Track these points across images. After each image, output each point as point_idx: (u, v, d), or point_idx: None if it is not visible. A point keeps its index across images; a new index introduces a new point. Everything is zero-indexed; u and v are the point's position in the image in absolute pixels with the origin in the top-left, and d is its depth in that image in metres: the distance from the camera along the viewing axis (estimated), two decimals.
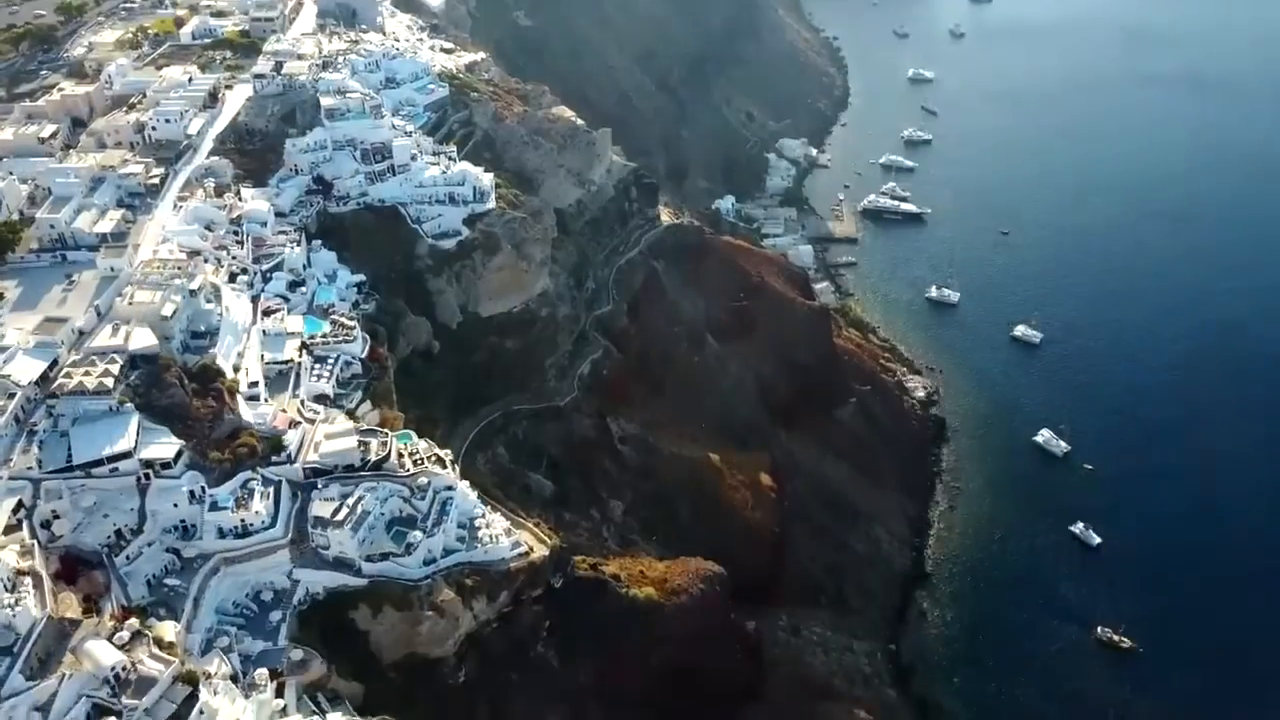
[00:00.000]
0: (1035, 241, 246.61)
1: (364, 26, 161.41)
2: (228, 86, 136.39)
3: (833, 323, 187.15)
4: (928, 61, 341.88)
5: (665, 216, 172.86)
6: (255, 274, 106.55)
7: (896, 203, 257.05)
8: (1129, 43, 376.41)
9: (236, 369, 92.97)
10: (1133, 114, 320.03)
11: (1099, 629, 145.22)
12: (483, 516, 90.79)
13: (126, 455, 78.61)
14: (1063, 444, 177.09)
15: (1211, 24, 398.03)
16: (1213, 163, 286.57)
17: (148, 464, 79.32)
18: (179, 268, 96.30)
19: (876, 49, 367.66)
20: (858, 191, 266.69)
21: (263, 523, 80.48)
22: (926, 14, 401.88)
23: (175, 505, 79.06)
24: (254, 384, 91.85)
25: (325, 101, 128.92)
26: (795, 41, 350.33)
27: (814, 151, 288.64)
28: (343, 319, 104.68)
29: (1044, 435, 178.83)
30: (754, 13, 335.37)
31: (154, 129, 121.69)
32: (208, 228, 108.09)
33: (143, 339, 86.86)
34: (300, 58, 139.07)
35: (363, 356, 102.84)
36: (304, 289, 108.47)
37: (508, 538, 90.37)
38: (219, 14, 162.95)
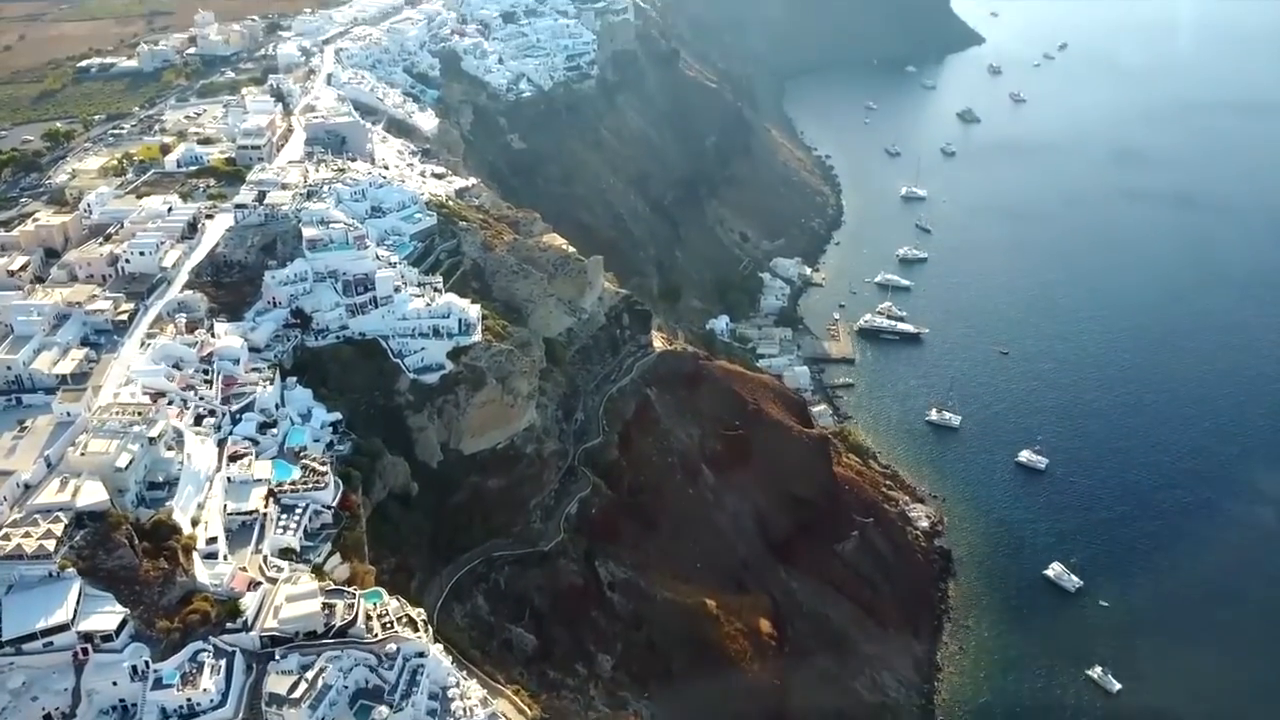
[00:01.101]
0: (1034, 361, 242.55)
1: (351, 154, 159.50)
2: (208, 216, 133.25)
3: (832, 449, 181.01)
4: (920, 180, 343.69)
5: (658, 342, 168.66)
6: (224, 415, 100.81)
7: (893, 322, 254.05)
8: (1117, 161, 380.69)
9: (195, 522, 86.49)
10: (1124, 231, 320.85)
11: None
12: (457, 685, 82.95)
13: (63, 628, 71.69)
14: (1074, 579, 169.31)
15: (1197, 144, 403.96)
16: (1205, 279, 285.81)
17: (87, 637, 72.29)
18: (139, 413, 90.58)
19: (869, 167, 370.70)
20: (853, 311, 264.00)
21: (211, 701, 72.65)
22: (918, 133, 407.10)
23: (115, 683, 71.60)
24: (212, 540, 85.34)
25: (307, 232, 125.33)
26: (788, 161, 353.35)
27: (808, 270, 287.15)
28: (314, 463, 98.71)
29: (1055, 569, 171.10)
30: (747, 133, 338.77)
31: (127, 261, 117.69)
32: (176, 366, 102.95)
33: (92, 494, 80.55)
34: (284, 187, 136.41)
35: (334, 504, 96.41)
36: (275, 430, 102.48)
37: (484, 709, 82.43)
38: (206, 141, 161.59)
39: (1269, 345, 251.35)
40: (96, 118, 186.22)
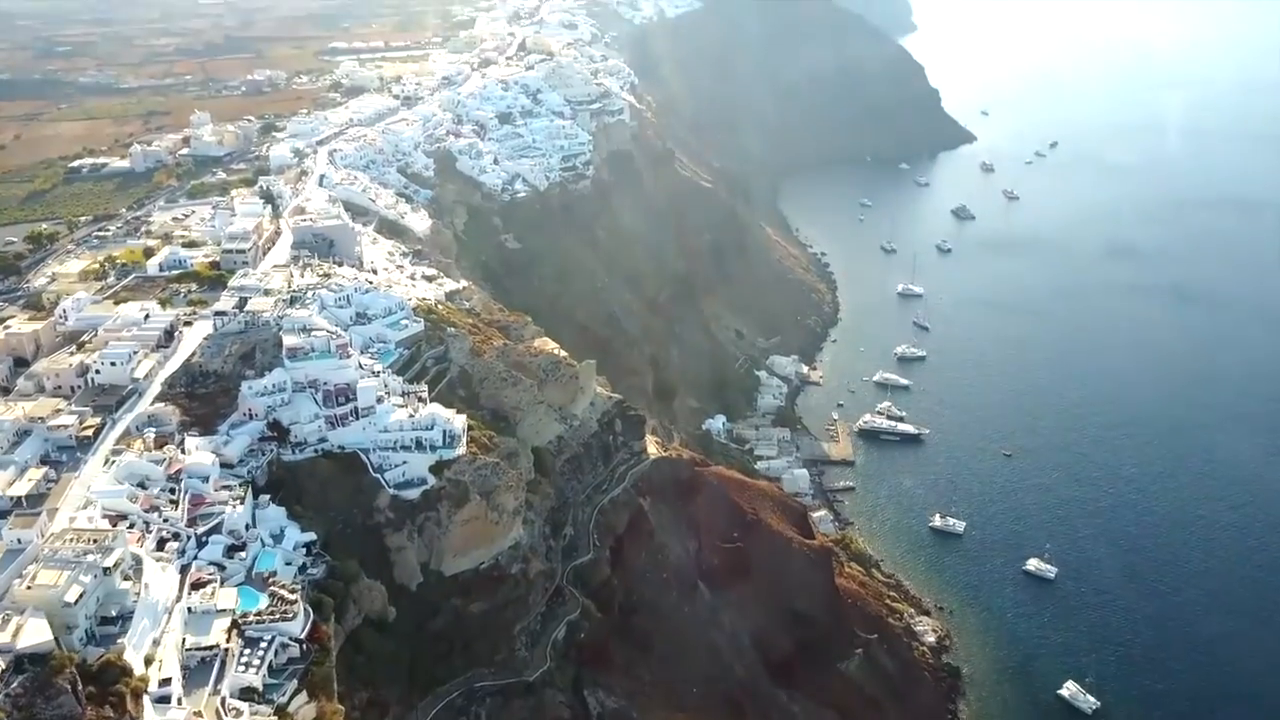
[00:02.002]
0: (1038, 463, 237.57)
1: (339, 258, 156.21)
2: (187, 323, 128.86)
3: (834, 559, 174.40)
4: (917, 277, 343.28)
5: (653, 448, 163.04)
6: (188, 539, 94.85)
7: (893, 423, 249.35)
8: (1113, 257, 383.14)
9: (149, 661, 79.70)
10: (1123, 325, 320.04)
11: None
12: None
13: None
14: (1090, 699, 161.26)
15: (1192, 239, 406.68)
16: (1205, 375, 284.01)
17: None
18: (95, 540, 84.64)
19: (865, 265, 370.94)
20: (852, 410, 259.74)
21: None
22: (913, 229, 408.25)
23: None
24: (166, 681, 78.41)
25: (288, 340, 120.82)
26: (783, 258, 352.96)
27: (805, 369, 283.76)
28: (283, 590, 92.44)
29: (1069, 689, 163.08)
30: (742, 231, 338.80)
31: (97, 372, 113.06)
32: (141, 485, 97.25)
33: (35, 634, 74.03)
34: (267, 293, 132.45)
35: (302, 636, 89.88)
36: (244, 554, 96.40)
37: None
38: (191, 244, 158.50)
39: (1275, 445, 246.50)
40: (82, 219, 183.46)
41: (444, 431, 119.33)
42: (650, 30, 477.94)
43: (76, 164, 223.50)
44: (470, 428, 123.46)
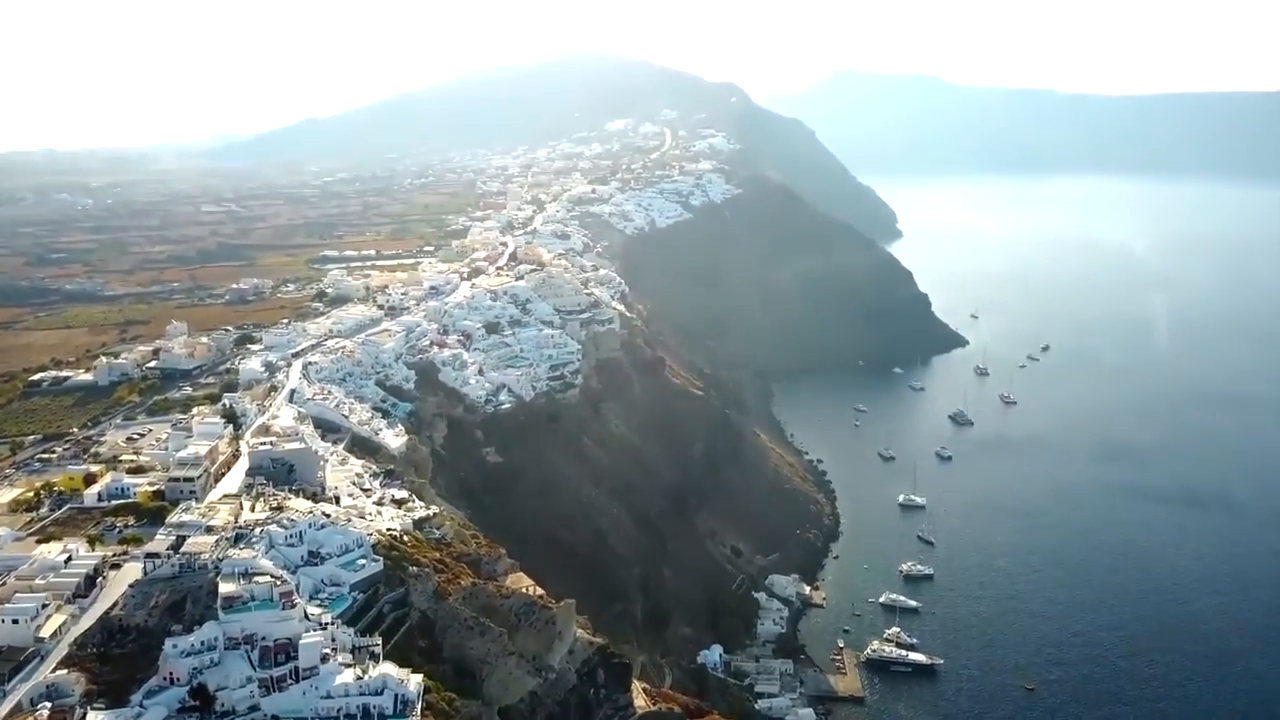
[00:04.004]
0: (1064, 696, 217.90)
1: (299, 485, 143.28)
2: (114, 566, 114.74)
3: None
4: (917, 486, 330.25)
5: (640, 699, 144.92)
6: None
7: (903, 651, 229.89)
8: (1111, 457, 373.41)
9: None
10: (1130, 532, 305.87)
11: None
12: None
13: None
14: None
15: (1188, 438, 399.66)
16: (1224, 585, 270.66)
17: None
18: None
19: (863, 473, 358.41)
20: (858, 635, 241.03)
21: None
22: (910, 436, 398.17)
23: None
24: None
25: (224, 588, 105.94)
26: (779, 466, 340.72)
27: (807, 589, 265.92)
28: None
29: None
30: (735, 439, 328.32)
31: None
32: None
33: None
34: (209, 530, 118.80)
35: None
36: None
37: None
38: (138, 469, 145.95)
39: None
40: (30, 438, 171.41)
41: (396, 696, 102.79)
42: (642, 239, 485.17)
43: (38, 377, 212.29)
44: (427, 690, 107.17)
